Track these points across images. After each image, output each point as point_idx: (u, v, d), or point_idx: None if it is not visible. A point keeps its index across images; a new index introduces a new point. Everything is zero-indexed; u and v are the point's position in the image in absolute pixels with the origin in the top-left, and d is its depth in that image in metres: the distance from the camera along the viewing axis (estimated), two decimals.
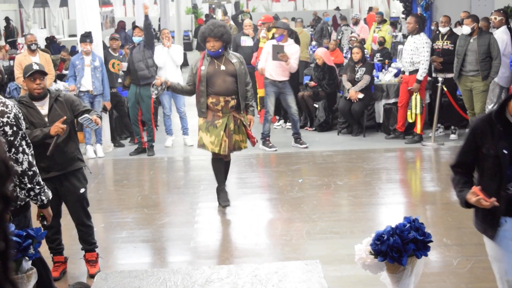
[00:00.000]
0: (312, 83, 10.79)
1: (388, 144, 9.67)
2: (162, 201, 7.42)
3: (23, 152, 3.74)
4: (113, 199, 7.44)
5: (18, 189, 3.85)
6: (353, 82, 10.17)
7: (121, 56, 10.11)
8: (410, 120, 9.61)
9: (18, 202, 3.87)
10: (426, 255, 3.71)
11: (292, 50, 9.31)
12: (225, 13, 28.48)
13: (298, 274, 3.60)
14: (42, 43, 17.32)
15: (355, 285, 4.82)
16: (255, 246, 5.70)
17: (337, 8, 26.91)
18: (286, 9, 30.77)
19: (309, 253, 5.46)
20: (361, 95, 10.00)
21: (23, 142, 3.76)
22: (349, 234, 5.90)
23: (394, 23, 19.56)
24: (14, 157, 3.69)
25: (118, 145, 10.14)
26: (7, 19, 22.70)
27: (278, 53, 9.10)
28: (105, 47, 10.04)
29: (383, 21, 14.88)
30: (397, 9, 25.72)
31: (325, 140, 10.00)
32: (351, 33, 14.84)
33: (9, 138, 3.67)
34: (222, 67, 6.34)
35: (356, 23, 16.02)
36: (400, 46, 11.48)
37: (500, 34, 9.17)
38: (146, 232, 6.19)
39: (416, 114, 9.48)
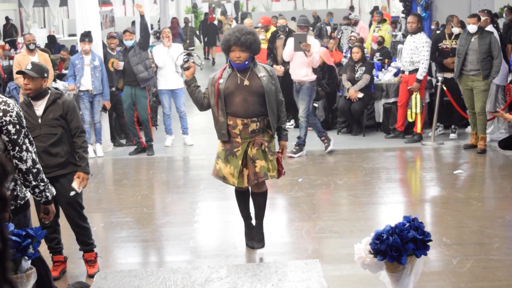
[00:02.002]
0: None
1: (388, 144, 9.67)
2: (162, 200, 7.42)
3: (27, 150, 3.75)
4: (113, 198, 7.44)
5: (18, 188, 3.85)
6: (353, 81, 10.16)
7: (118, 55, 10.09)
8: (410, 120, 9.61)
9: (18, 201, 3.87)
10: (426, 254, 3.71)
11: (313, 42, 8.86)
12: (224, 12, 28.50)
13: (298, 274, 3.60)
14: (42, 43, 17.30)
15: (355, 284, 4.82)
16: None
17: (351, 8, 26.96)
18: (286, 9, 30.75)
19: (308, 253, 5.46)
20: (360, 95, 10.00)
21: (26, 140, 3.78)
22: (348, 234, 5.90)
23: (394, 23, 19.55)
24: (18, 155, 3.71)
25: (118, 145, 10.14)
26: (7, 19, 22.70)
27: (300, 43, 8.55)
28: (104, 46, 10.03)
29: (382, 21, 14.89)
30: (397, 8, 25.72)
31: None
32: (351, 33, 14.84)
33: (12, 137, 3.69)
34: (246, 82, 5.12)
35: (355, 24, 16.02)
36: (399, 46, 11.48)
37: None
38: (145, 231, 6.19)
39: (416, 114, 9.49)
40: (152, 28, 20.38)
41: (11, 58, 13.14)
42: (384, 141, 9.85)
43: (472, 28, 8.84)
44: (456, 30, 9.77)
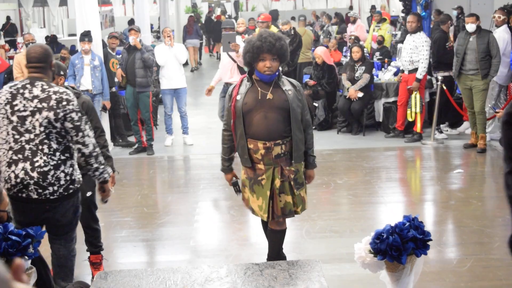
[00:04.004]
0: (312, 82, 10.79)
1: (388, 143, 9.67)
2: (162, 200, 7.42)
3: (88, 135, 4.05)
4: (113, 198, 7.41)
5: (75, 172, 4.10)
6: (353, 81, 10.17)
7: (118, 56, 10.07)
8: (409, 119, 9.61)
9: (75, 185, 4.13)
10: (426, 254, 3.71)
11: (242, 44, 8.38)
12: (224, 12, 28.48)
13: (298, 273, 3.60)
14: (41, 42, 17.29)
15: (355, 284, 4.82)
16: (255, 245, 5.70)
17: (351, 8, 26.94)
18: (285, 8, 30.71)
19: (308, 252, 5.46)
20: (360, 94, 10.00)
21: (87, 126, 4.08)
22: (348, 233, 5.90)
23: (394, 22, 19.54)
24: (81, 141, 4.00)
25: (118, 144, 10.14)
26: (8, 19, 22.71)
27: (229, 43, 8.34)
28: (104, 46, 10.03)
29: (382, 20, 14.89)
30: (397, 8, 25.71)
31: (325, 139, 10.00)
32: (350, 32, 14.84)
33: (76, 123, 3.98)
34: (269, 96, 4.34)
35: (354, 21, 16.02)
36: (399, 45, 11.49)
37: (501, 33, 9.16)
38: (145, 231, 6.19)
39: (415, 113, 9.49)
40: (152, 28, 20.41)
41: (11, 58, 13.14)
42: (384, 140, 9.85)
43: (470, 27, 8.84)
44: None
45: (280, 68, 9.04)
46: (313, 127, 10.71)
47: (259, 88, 4.35)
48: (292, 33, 10.34)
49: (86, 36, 9.12)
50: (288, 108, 4.31)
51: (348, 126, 10.49)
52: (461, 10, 13.25)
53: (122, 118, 10.34)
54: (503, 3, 10.96)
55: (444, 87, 9.47)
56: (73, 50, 14.22)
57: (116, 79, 9.66)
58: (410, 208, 6.63)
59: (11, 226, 3.67)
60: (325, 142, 9.79)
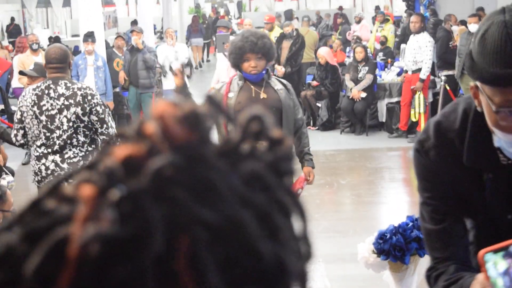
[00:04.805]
0: (315, 83, 10.78)
1: (391, 143, 9.66)
2: None
3: (112, 127, 4.37)
4: None
5: None
6: (356, 81, 10.16)
7: (122, 57, 10.09)
8: (413, 119, 9.60)
9: None
10: None
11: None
12: (227, 12, 28.51)
13: None
14: (45, 43, 17.32)
15: (358, 284, 4.82)
16: None
17: (340, 8, 26.87)
18: (288, 8, 30.70)
19: None
20: (363, 94, 9.99)
21: (110, 118, 4.43)
22: (351, 233, 5.90)
23: (397, 22, 19.53)
24: (106, 132, 4.30)
25: None
26: (12, 20, 22.77)
27: (223, 43, 8.21)
28: (108, 46, 10.04)
29: (385, 20, 14.88)
30: (400, 8, 25.68)
31: (328, 139, 9.99)
32: (354, 32, 14.85)
33: (100, 116, 4.30)
34: (262, 95, 4.26)
35: (359, 21, 16.03)
36: (402, 45, 11.48)
37: None
38: None
39: (419, 113, 9.48)
40: (155, 28, 20.42)
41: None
42: (387, 140, 9.84)
43: (473, 27, 8.83)
44: (455, 28, 9.77)
45: (284, 69, 8.88)
46: (316, 127, 10.72)
47: (252, 87, 4.26)
48: (295, 34, 10.34)
49: (89, 37, 9.13)
50: (280, 108, 4.24)
51: (351, 127, 10.48)
52: (432, 12, 13.17)
53: (125, 118, 10.35)
54: (506, 2, 10.95)
55: (448, 87, 9.46)
56: (76, 51, 14.25)
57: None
58: (414, 209, 6.62)
59: None
60: (328, 142, 9.78)
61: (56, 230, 0.39)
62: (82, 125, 4.28)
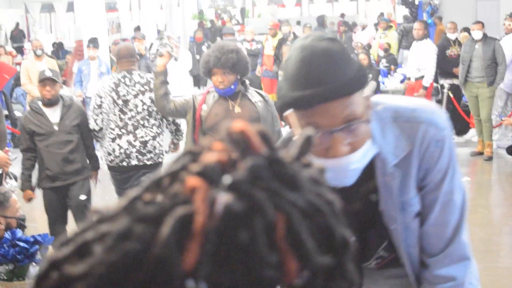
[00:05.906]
0: None
1: None
2: None
3: None
4: (112, 200, 7.43)
5: (163, 145, 5.18)
6: None
7: None
8: None
9: (163, 156, 5.12)
10: None
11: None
12: (231, 18, 28.56)
13: None
14: (48, 49, 17.38)
15: None
16: None
17: (342, 15, 26.90)
18: (292, 15, 30.78)
19: None
20: None
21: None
22: None
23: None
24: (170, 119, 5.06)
25: None
26: (17, 25, 22.85)
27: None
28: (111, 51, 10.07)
29: (388, 27, 14.90)
30: (404, 15, 25.69)
31: None
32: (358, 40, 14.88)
33: None
34: (237, 109, 4.17)
35: (363, 28, 16.07)
36: (405, 52, 11.49)
37: (509, 41, 9.13)
38: None
39: None
40: (158, 34, 20.45)
41: (18, 64, 13.19)
42: None
43: (476, 34, 8.82)
44: (453, 36, 9.77)
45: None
46: None
47: (229, 100, 4.15)
48: (293, 36, 10.40)
49: (92, 42, 9.17)
50: (258, 120, 4.11)
51: None
52: (439, 19, 13.18)
53: None
54: (510, 10, 10.95)
55: (451, 95, 9.46)
56: None
57: None
58: None
59: (19, 232, 3.69)
60: None
61: (175, 209, 0.49)
62: (155, 109, 4.79)
